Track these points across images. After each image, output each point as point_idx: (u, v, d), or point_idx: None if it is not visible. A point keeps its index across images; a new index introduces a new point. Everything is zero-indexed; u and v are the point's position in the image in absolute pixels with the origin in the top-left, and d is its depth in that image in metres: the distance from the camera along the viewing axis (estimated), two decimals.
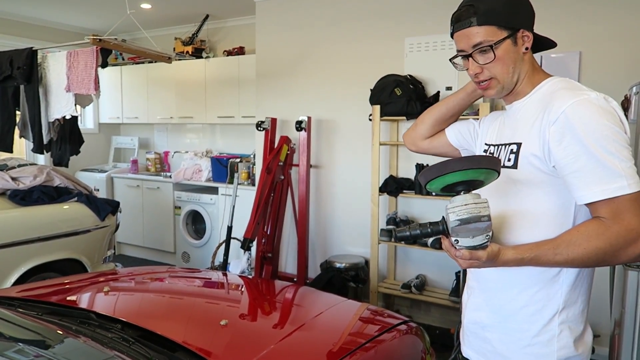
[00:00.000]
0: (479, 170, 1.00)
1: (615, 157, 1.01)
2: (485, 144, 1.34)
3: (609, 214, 1.02)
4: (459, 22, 1.16)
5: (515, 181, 1.15)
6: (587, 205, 1.06)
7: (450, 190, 1.03)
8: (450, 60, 1.26)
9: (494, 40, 1.12)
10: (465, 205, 0.97)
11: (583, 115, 1.03)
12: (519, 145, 1.15)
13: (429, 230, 1.03)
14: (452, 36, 1.20)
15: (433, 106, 1.49)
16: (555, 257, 1.04)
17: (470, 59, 1.17)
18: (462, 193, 1.00)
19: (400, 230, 1.06)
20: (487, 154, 1.29)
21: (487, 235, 1.00)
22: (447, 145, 1.47)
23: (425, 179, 1.03)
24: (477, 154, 1.38)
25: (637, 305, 2.11)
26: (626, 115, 2.27)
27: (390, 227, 3.55)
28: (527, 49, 1.16)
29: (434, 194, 3.38)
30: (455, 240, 1.01)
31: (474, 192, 1.01)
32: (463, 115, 3.23)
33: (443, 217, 1.03)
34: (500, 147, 1.25)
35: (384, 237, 3.50)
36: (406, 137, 1.56)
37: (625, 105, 2.29)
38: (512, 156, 1.17)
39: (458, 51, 1.20)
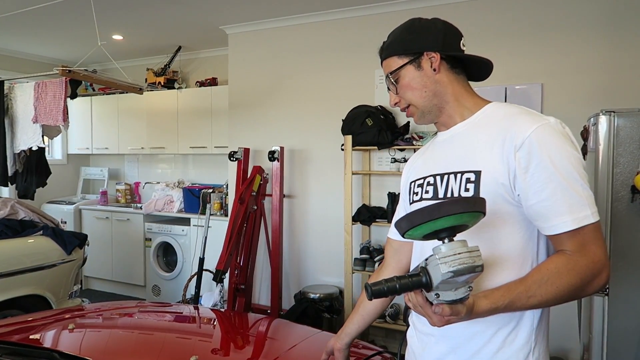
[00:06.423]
0: (473, 213, 0.88)
1: (579, 185, 0.98)
2: (412, 182, 1.24)
3: (574, 246, 0.98)
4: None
5: None
6: (553, 236, 1.01)
7: (432, 237, 0.89)
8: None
9: (393, 68, 1.16)
10: (459, 254, 0.84)
11: (549, 141, 0.99)
12: (477, 173, 1.05)
13: (409, 282, 0.87)
14: None
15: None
16: (529, 300, 0.97)
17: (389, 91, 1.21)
18: (446, 240, 0.87)
19: (375, 284, 0.88)
20: (426, 186, 1.17)
21: (469, 287, 0.88)
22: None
23: (411, 224, 0.88)
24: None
25: (604, 330, 2.15)
26: (586, 146, 2.37)
27: (364, 256, 3.55)
28: (435, 70, 1.13)
29: None
30: (435, 295, 0.87)
31: (459, 238, 0.88)
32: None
33: (423, 267, 0.88)
34: (446, 176, 1.12)
35: (358, 266, 3.50)
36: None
37: (585, 135, 2.38)
38: (471, 186, 1.06)
39: None
